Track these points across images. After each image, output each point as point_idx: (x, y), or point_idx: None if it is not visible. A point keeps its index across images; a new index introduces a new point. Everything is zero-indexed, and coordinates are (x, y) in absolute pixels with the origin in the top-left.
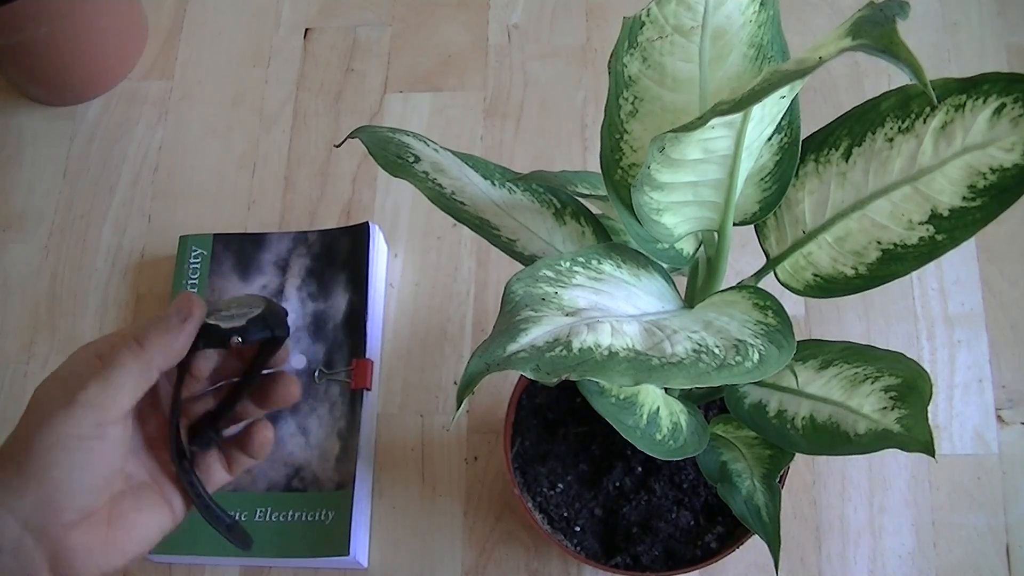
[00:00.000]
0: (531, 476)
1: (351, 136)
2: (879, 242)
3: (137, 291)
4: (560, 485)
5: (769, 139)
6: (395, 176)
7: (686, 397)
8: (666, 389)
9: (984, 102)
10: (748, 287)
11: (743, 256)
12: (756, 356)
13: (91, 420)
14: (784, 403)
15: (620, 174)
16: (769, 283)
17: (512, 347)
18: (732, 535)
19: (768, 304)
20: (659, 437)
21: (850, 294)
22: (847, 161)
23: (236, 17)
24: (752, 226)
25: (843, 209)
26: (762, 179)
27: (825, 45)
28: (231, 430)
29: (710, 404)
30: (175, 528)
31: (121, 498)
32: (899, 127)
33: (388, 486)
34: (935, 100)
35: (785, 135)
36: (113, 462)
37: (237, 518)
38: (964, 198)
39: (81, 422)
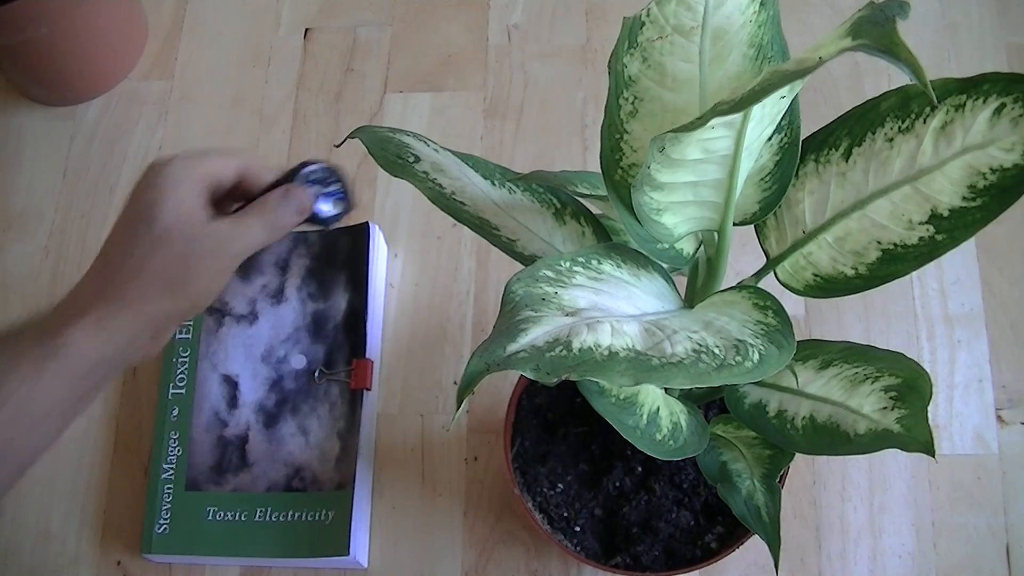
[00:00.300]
0: (531, 476)
1: (351, 136)
2: (879, 242)
3: None
4: (560, 485)
5: (769, 139)
6: (395, 176)
7: (686, 397)
8: (666, 389)
9: (984, 102)
10: (748, 287)
11: (743, 256)
12: (756, 356)
13: (233, 266)
14: (784, 403)
15: (620, 174)
16: (769, 283)
17: (512, 347)
18: (732, 535)
19: (768, 304)
20: (659, 437)
21: (850, 294)
22: (847, 161)
23: (236, 17)
24: (752, 226)
25: (843, 209)
26: (762, 179)
27: (825, 45)
28: None
29: (710, 404)
30: None
31: None
32: (899, 127)
33: (388, 486)
34: (935, 100)
35: (785, 135)
36: (224, 287)
37: (237, 517)
38: (964, 198)
39: (229, 268)
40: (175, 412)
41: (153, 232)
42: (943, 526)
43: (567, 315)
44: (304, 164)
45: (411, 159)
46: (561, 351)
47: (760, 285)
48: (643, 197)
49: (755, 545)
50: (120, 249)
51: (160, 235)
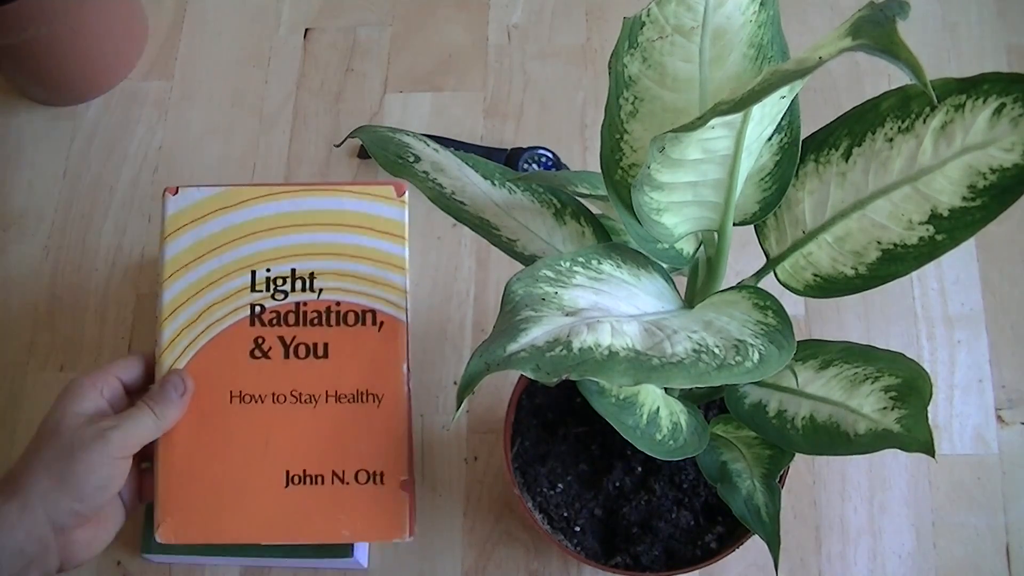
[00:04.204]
0: (531, 476)
1: (351, 136)
2: (879, 242)
3: (137, 291)
4: (560, 485)
5: (769, 139)
6: (395, 176)
7: (686, 397)
8: (666, 389)
9: (984, 102)
10: (748, 287)
11: (743, 256)
12: (756, 356)
13: (117, 455)
14: (784, 403)
15: (620, 174)
16: (769, 283)
17: (512, 347)
18: (732, 535)
19: (768, 304)
20: (659, 437)
21: (850, 294)
22: (847, 161)
23: (236, 17)
24: (752, 226)
25: (843, 209)
26: (762, 179)
27: (825, 45)
28: None
29: (710, 404)
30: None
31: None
32: (899, 127)
33: None
34: (935, 100)
35: (785, 135)
36: (120, 483)
37: None
38: (964, 198)
39: (112, 456)
40: None
41: (44, 431)
42: (943, 526)
43: (567, 315)
44: None
45: (411, 159)
46: (561, 351)
47: (760, 285)
48: (643, 197)
49: (755, 545)
50: (21, 457)
51: (50, 432)
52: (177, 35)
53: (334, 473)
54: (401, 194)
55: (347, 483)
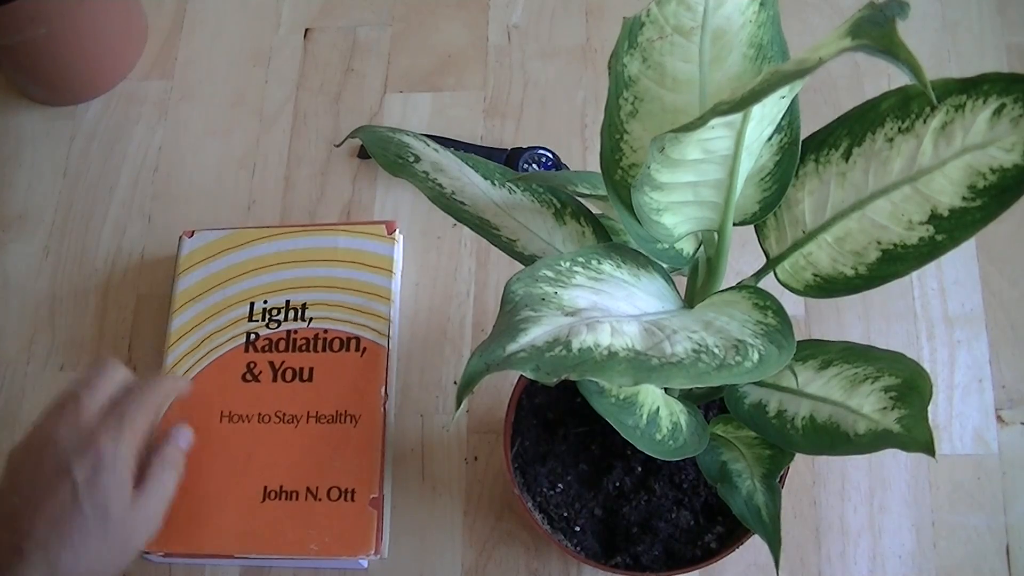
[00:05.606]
0: (531, 476)
1: (351, 136)
2: (879, 242)
3: (137, 291)
4: (560, 485)
5: (769, 139)
6: (395, 176)
7: (686, 397)
8: (666, 389)
9: (984, 102)
10: (748, 287)
11: (743, 256)
12: (756, 356)
13: (148, 540)
14: (784, 403)
15: (620, 174)
16: (769, 283)
17: (512, 347)
18: (732, 535)
19: (768, 304)
20: (659, 437)
21: (850, 294)
22: (847, 161)
23: (236, 17)
24: (752, 226)
25: (843, 209)
26: (762, 179)
27: (825, 45)
28: None
29: (710, 404)
30: None
31: None
32: (899, 127)
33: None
34: (935, 100)
35: (785, 135)
36: None
37: None
38: (964, 198)
39: (147, 540)
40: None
41: (107, 526)
42: (943, 526)
43: (567, 315)
44: None
45: (411, 159)
46: (561, 351)
47: (760, 285)
48: (643, 197)
49: (755, 545)
50: (70, 540)
51: (110, 529)
52: (177, 35)
53: (308, 489)
54: (392, 232)
55: (319, 499)
